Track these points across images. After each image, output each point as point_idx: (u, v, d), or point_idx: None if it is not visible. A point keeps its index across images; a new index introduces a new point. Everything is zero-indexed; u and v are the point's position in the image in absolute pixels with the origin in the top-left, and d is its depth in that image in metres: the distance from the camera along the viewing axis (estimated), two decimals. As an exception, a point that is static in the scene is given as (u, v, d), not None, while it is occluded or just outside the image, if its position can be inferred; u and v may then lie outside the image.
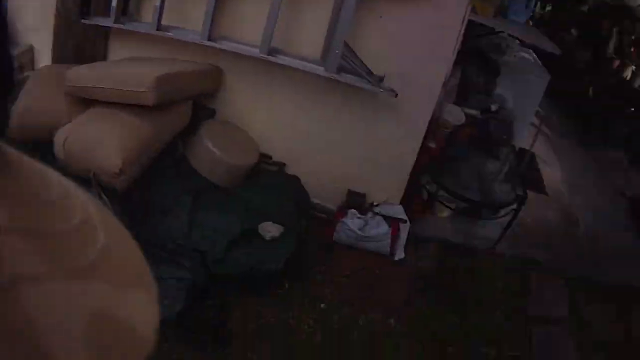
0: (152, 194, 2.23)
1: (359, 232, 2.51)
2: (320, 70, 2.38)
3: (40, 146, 2.25)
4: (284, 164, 2.78)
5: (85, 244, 0.20)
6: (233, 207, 2.32)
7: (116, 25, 2.68)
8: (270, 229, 2.28)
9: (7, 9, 0.20)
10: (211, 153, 2.43)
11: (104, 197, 2.06)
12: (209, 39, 2.47)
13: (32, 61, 3.61)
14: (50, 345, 0.17)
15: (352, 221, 2.52)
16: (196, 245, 2.15)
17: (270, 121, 2.74)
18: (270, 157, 2.77)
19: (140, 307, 0.22)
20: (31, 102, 2.51)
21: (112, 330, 0.20)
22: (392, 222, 2.56)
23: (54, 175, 0.22)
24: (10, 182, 0.19)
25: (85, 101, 2.46)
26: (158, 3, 2.47)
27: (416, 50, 2.37)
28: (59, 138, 2.18)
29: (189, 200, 2.23)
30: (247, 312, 2.16)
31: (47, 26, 3.32)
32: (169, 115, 2.38)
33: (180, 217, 2.19)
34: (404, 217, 2.61)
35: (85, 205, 0.22)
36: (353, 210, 2.58)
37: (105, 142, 2.08)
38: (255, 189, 2.52)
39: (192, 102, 2.56)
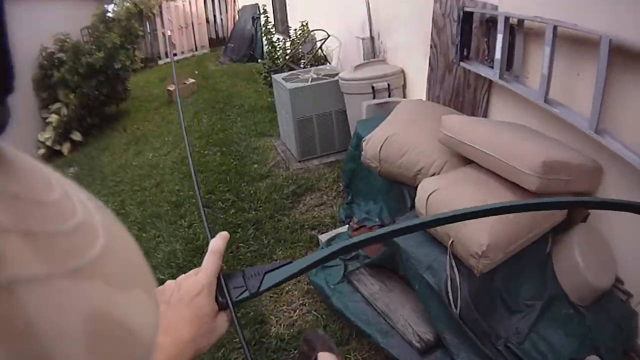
0: (505, 287, 2.09)
1: None
2: None
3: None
4: (631, 295, 2.24)
5: (85, 244, 0.20)
6: (573, 329, 2.03)
7: (500, 82, 2.46)
8: (592, 366, 1.88)
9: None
10: (576, 267, 2.12)
11: (454, 268, 1.96)
12: (596, 131, 2.04)
13: (403, 86, 3.76)
14: (49, 346, 0.16)
15: None
16: (523, 354, 1.95)
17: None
18: (622, 283, 2.30)
19: (140, 308, 0.22)
20: (392, 133, 2.51)
21: (112, 331, 0.19)
22: None
23: (54, 175, 0.22)
24: (10, 181, 0.18)
25: (453, 153, 2.31)
26: (546, 72, 2.17)
27: None
28: (424, 189, 2.09)
29: (539, 307, 2.04)
30: None
31: (422, 53, 3.33)
32: (548, 208, 2.10)
33: (525, 321, 2.00)
34: None
35: (86, 205, 0.22)
36: None
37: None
38: (600, 315, 2.14)
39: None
